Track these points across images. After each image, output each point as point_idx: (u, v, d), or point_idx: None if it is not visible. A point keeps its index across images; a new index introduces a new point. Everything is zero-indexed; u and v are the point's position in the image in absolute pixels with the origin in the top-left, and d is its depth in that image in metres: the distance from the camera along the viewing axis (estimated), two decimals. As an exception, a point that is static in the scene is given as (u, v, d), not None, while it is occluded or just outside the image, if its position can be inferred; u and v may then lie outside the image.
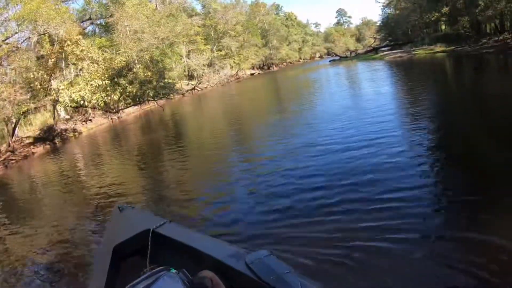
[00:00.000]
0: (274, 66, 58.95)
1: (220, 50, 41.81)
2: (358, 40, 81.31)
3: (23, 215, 6.76)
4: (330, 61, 46.64)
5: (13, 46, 15.46)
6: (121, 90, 17.17)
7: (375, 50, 42.84)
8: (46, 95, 15.58)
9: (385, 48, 42.12)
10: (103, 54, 18.30)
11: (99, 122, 18.56)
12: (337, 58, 47.92)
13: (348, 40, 78.33)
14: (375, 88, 13.77)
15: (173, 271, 1.73)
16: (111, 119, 18.91)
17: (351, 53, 51.67)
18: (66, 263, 4.02)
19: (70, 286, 3.47)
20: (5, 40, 15.78)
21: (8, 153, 13.55)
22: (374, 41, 54.03)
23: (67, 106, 17.17)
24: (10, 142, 14.26)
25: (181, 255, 2.22)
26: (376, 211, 3.48)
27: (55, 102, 16.07)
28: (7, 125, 14.63)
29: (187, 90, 22.88)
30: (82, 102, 16.30)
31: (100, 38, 26.91)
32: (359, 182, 4.32)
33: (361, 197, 3.88)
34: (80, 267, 3.76)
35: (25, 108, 14.59)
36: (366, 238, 2.99)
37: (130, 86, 17.27)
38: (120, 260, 2.41)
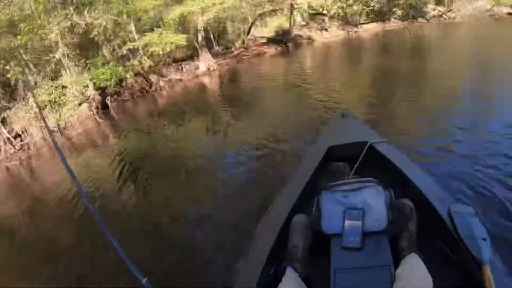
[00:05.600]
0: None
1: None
2: None
3: (247, 105, 8.18)
4: None
5: None
6: (365, 3, 16.03)
7: None
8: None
9: None
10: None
11: (335, 33, 17.88)
12: None
13: None
14: None
15: (381, 186, 1.74)
16: (348, 32, 17.91)
17: None
18: (278, 152, 4.80)
19: (279, 167, 4.20)
20: None
21: (242, 49, 15.44)
22: None
23: (304, 12, 17.46)
24: (245, 39, 16.08)
25: (387, 176, 2.16)
26: None
27: (293, 7, 16.60)
28: (243, 24, 16.56)
29: (433, 16, 18.79)
30: (321, 10, 16.54)
31: None
32: None
33: None
34: (291, 157, 4.43)
35: (262, 10, 16.22)
36: None
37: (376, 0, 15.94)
38: (329, 161, 2.60)
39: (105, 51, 12.63)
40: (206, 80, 12.74)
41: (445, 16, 22.02)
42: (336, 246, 1.57)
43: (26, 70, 12.68)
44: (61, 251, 4.23)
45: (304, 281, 1.53)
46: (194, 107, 9.57)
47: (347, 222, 1.60)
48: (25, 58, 12.69)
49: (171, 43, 12.31)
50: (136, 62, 12.07)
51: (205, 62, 13.26)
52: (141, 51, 12.44)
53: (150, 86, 12.22)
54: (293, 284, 1.48)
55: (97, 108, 11.68)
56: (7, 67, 12.43)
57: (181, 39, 12.52)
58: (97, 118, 11.29)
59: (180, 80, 12.71)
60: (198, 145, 6.41)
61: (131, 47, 12.19)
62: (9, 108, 12.38)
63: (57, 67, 12.55)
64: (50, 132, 1.81)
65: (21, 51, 12.28)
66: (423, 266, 1.40)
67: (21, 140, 12.05)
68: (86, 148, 9.28)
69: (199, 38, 13.71)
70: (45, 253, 4.42)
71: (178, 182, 5.01)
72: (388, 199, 1.69)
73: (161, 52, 13.60)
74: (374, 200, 1.66)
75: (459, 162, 3.58)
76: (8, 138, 12.28)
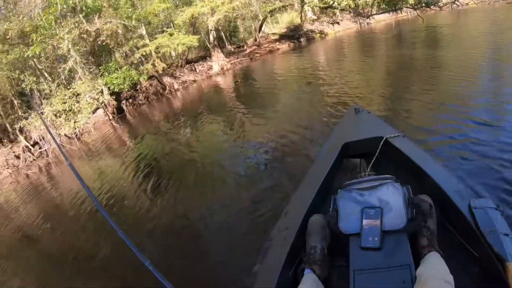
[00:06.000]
0: None
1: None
2: None
3: (261, 103, 8.11)
4: None
5: None
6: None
7: None
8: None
9: None
10: None
11: (347, 26, 17.63)
12: None
13: None
14: None
15: (398, 183, 1.69)
16: (360, 24, 17.63)
17: None
18: (292, 147, 4.74)
19: (289, 168, 4.11)
20: None
21: (254, 47, 15.30)
22: None
23: (315, 6, 17.53)
24: (257, 37, 16.07)
25: (404, 171, 2.14)
26: None
27: (303, 2, 16.60)
28: (254, 21, 16.87)
29: (446, 4, 18.72)
30: (331, 3, 16.50)
31: None
32: None
33: None
34: (307, 155, 4.31)
35: (272, 7, 16.14)
36: None
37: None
38: (344, 157, 2.56)
39: (117, 56, 12.62)
40: (220, 79, 12.61)
41: (458, 3, 21.71)
42: (354, 246, 1.55)
43: (41, 79, 12.78)
44: (77, 255, 4.30)
45: (323, 282, 1.51)
46: (209, 107, 9.47)
47: (365, 222, 1.57)
48: (39, 67, 12.81)
49: (183, 44, 12.25)
50: (149, 66, 12.01)
51: (218, 61, 13.15)
52: (153, 54, 12.40)
53: (164, 89, 12.16)
54: (312, 286, 1.46)
55: (113, 113, 11.65)
56: (22, 77, 12.60)
57: (192, 40, 12.44)
58: (113, 123, 11.27)
59: (194, 81, 12.62)
60: (213, 146, 6.32)
61: (143, 53, 12.19)
62: (26, 118, 12.49)
63: (71, 74, 12.63)
64: (66, 156, 1.79)
65: (35, 60, 12.38)
66: (444, 265, 1.36)
67: (40, 148, 12.12)
68: (103, 154, 9.24)
69: (211, 38, 13.62)
70: (62, 256, 4.49)
71: (194, 184, 4.92)
72: (406, 196, 1.65)
73: (173, 54, 13.60)
74: (392, 197, 1.62)
75: (480, 157, 3.36)
76: (27, 146, 12.38)
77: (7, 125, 13.95)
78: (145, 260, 1.17)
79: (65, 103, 11.51)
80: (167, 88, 12.16)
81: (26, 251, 5.74)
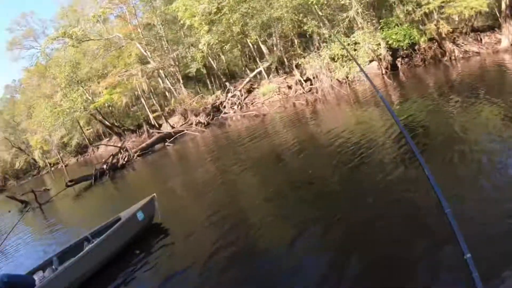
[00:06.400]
0: None
1: None
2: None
3: None
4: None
5: None
6: None
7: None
8: None
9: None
10: None
11: None
12: None
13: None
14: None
15: None
16: None
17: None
18: None
19: None
20: None
21: None
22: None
23: None
24: None
25: None
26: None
27: None
28: None
29: None
30: None
31: None
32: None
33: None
34: None
35: None
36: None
37: None
38: None
39: (399, 12, 12.87)
40: (507, 57, 11.24)
41: None
42: None
43: (321, 24, 14.45)
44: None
45: None
46: (490, 88, 8.07)
47: None
48: (320, 14, 14.42)
49: (471, 8, 11.33)
50: (432, 26, 11.82)
51: (508, 35, 11.72)
52: (435, 15, 12.08)
53: (444, 55, 11.80)
54: None
55: (387, 68, 12.26)
56: (304, 20, 14.49)
57: (482, 4, 11.25)
58: (385, 78, 11.87)
59: (478, 53, 11.71)
60: (481, 136, 5.13)
61: (426, 10, 11.94)
62: (304, 57, 14.60)
63: (350, 23, 13.75)
64: (376, 89, 1.98)
65: (316, 7, 13.94)
66: None
67: (311, 84, 14.19)
68: (368, 105, 9.84)
69: (502, 6, 12.10)
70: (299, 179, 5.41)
71: (449, 166, 4.29)
72: None
73: (456, 18, 12.89)
74: None
75: None
76: (299, 80, 14.70)
77: (285, 59, 16.79)
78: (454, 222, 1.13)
79: (343, 49, 12.75)
80: (447, 54, 11.81)
81: (271, 162, 7.19)
